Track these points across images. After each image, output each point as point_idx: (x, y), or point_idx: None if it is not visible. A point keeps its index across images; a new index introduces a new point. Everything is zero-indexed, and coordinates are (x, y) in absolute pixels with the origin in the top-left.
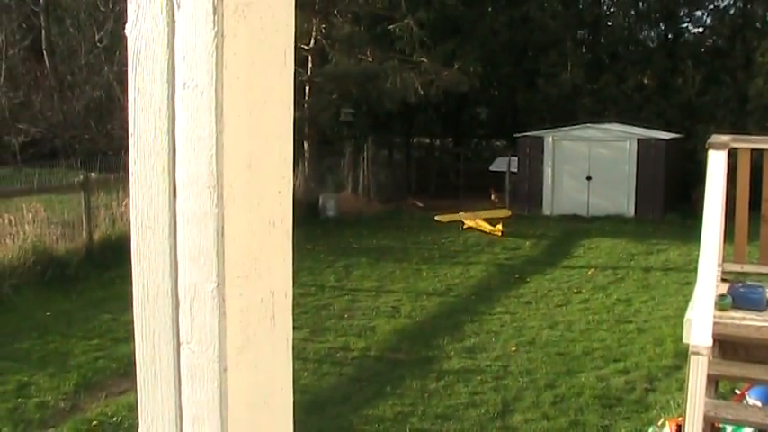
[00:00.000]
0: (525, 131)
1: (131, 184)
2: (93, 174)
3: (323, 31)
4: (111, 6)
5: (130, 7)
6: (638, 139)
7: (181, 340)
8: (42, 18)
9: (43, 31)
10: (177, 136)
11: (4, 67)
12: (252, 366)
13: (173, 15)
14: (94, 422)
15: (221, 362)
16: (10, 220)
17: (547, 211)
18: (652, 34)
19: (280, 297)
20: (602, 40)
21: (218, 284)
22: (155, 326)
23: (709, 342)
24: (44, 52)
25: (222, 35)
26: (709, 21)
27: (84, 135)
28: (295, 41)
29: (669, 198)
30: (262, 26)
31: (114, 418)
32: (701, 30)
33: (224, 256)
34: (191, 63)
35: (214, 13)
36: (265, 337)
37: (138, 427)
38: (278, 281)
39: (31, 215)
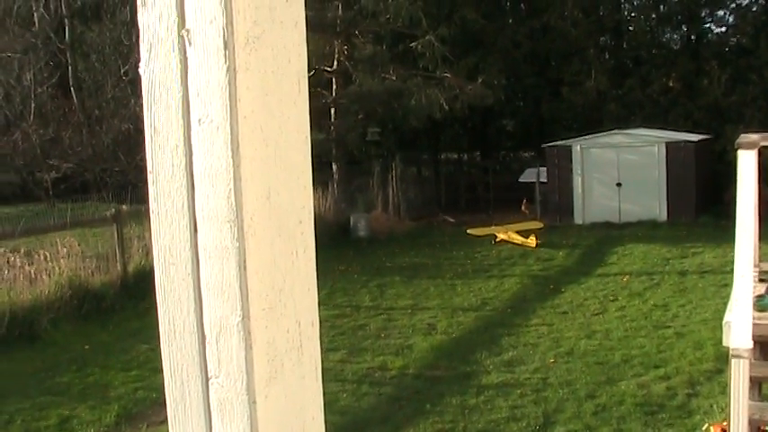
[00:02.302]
0: (552, 141)
1: (152, 222)
2: (124, 206)
3: (345, 52)
4: (134, 39)
5: (143, 47)
6: (667, 143)
7: (209, 375)
8: (68, 55)
9: (70, 68)
10: (195, 171)
11: (33, 105)
12: (281, 397)
13: (185, 53)
14: None
15: (250, 395)
16: (45, 256)
17: (578, 219)
18: (675, 36)
19: (306, 326)
20: (624, 45)
21: (243, 318)
22: (182, 361)
23: (750, 344)
24: (71, 88)
25: (234, 70)
26: (731, 20)
27: (113, 168)
28: (318, 64)
29: (701, 200)
30: (274, 57)
31: None
32: (724, 29)
33: (247, 289)
34: (205, 99)
35: (225, 48)
36: (293, 367)
37: None
38: (304, 310)
39: (65, 250)
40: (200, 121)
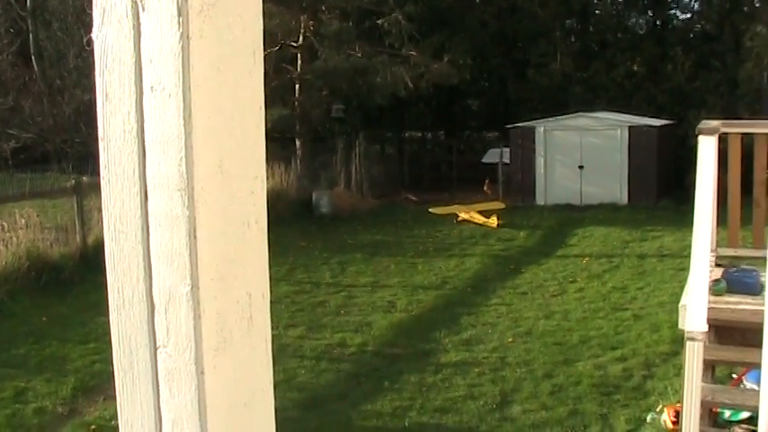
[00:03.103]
0: (517, 122)
1: (103, 189)
2: (85, 177)
3: (311, 27)
4: None
5: (96, 11)
6: (630, 127)
7: (157, 344)
8: (30, 22)
9: (31, 36)
10: (147, 139)
11: None
12: (230, 368)
13: (138, 18)
14: (93, 426)
15: (198, 365)
16: (3, 226)
17: (540, 201)
18: (640, 21)
19: (257, 298)
20: (590, 29)
21: (193, 287)
22: (131, 330)
23: (705, 327)
24: (32, 57)
25: (188, 37)
26: (696, 6)
27: (75, 138)
28: (284, 39)
29: (662, 184)
30: (228, 26)
31: (113, 421)
32: (689, 15)
33: (197, 259)
34: (157, 66)
35: (179, 15)
36: (243, 338)
37: None
38: (254, 282)
39: (24, 220)
40: (152, 88)
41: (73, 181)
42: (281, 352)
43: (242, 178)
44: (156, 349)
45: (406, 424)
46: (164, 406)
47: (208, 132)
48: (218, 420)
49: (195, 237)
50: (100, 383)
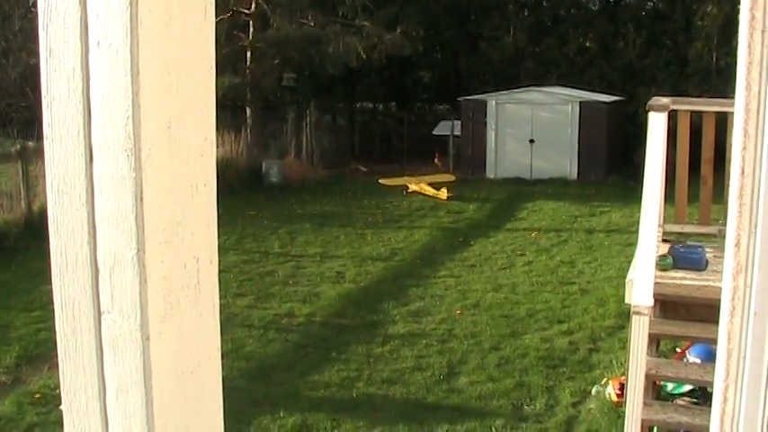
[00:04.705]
0: (468, 95)
1: (46, 149)
2: (30, 142)
3: None
4: None
5: None
6: (581, 102)
7: (102, 310)
8: None
9: None
10: (92, 97)
11: None
12: (176, 335)
13: None
14: (37, 395)
15: (143, 331)
16: None
17: (490, 174)
18: None
19: (204, 263)
20: (544, 3)
21: (139, 251)
22: (74, 296)
23: (651, 302)
24: None
25: None
26: None
27: (20, 103)
28: (236, 5)
29: (611, 160)
30: None
31: (57, 390)
32: None
33: (143, 222)
34: (104, 20)
35: None
36: (190, 304)
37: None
38: (202, 246)
39: None
40: (98, 43)
41: (18, 146)
42: (229, 321)
43: (191, 140)
44: (100, 315)
45: (354, 395)
46: (108, 373)
47: (156, 91)
48: (163, 388)
49: (142, 199)
50: (44, 352)
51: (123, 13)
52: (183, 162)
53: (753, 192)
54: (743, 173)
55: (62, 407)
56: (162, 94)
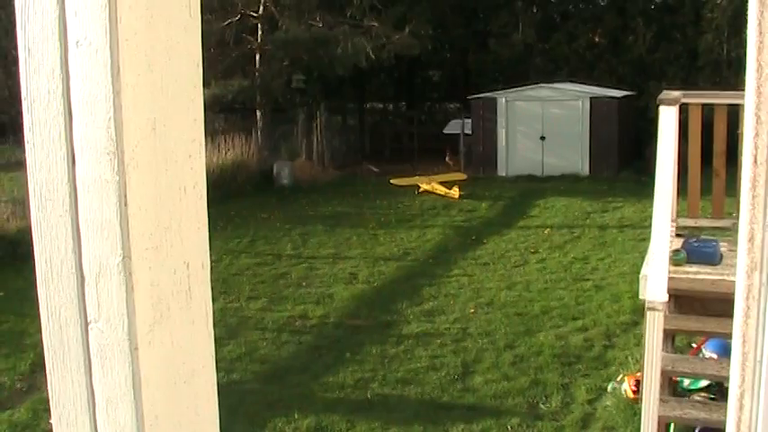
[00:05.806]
0: (478, 93)
1: (27, 153)
2: None
3: None
4: None
5: None
6: (591, 98)
7: (89, 319)
8: None
9: None
10: (73, 98)
11: None
12: (167, 344)
13: None
14: None
15: (131, 340)
16: None
17: (502, 172)
18: None
19: (196, 268)
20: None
21: (124, 257)
22: (60, 305)
23: (665, 297)
24: None
25: None
26: None
27: None
28: (244, 8)
29: (623, 155)
30: None
31: None
32: None
33: (129, 227)
34: (83, 18)
35: None
36: (181, 311)
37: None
38: (193, 251)
39: None
40: (77, 43)
41: None
42: (242, 324)
43: (178, 141)
44: (87, 324)
45: (368, 396)
46: (96, 384)
47: (139, 91)
48: (155, 399)
49: (126, 204)
50: None
51: (102, 11)
52: (170, 164)
53: (767, 182)
54: (755, 161)
55: (51, 420)
56: (145, 93)
